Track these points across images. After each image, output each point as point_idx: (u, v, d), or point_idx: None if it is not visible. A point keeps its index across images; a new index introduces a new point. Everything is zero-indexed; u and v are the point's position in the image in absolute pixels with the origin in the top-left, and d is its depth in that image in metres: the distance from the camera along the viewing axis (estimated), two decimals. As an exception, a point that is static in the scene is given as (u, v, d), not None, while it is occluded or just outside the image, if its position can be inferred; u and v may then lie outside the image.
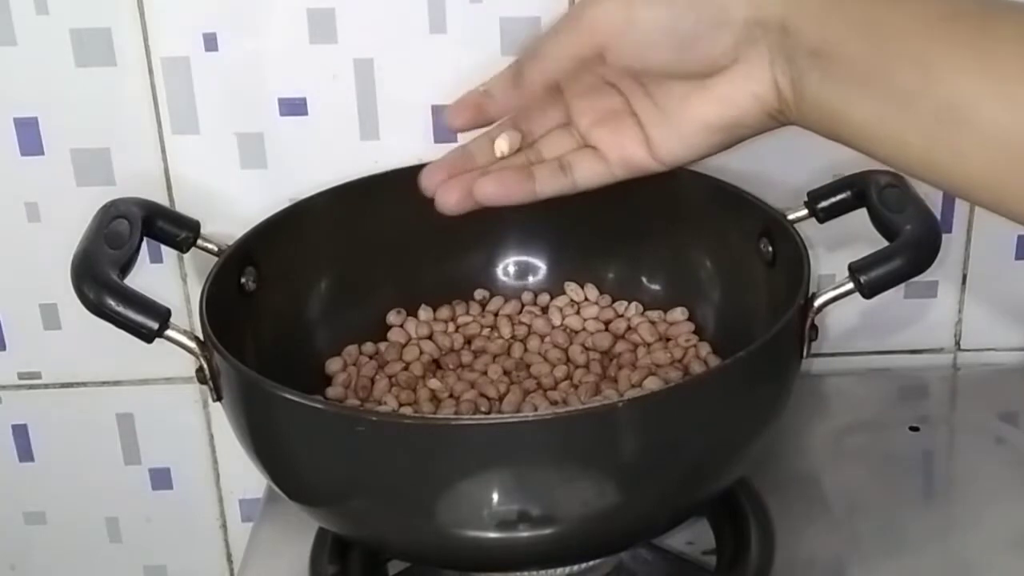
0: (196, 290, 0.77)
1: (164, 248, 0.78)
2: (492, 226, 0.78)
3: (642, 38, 0.53)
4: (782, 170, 0.77)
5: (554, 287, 0.79)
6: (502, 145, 0.60)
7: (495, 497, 0.58)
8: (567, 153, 0.59)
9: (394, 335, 0.76)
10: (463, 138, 0.79)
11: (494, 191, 0.58)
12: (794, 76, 0.51)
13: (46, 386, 0.86)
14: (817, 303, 0.62)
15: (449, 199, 0.59)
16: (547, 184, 0.59)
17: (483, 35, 0.76)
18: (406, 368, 0.74)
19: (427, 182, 0.60)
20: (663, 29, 0.52)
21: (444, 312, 0.78)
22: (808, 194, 0.71)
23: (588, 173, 0.59)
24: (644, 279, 0.78)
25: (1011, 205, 0.47)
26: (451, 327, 0.77)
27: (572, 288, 0.78)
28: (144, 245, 0.68)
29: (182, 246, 0.73)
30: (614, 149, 0.58)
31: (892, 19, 0.48)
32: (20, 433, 0.87)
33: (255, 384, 0.59)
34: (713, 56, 0.52)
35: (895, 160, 0.50)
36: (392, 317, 0.77)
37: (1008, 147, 0.45)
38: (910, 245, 0.62)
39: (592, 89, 0.58)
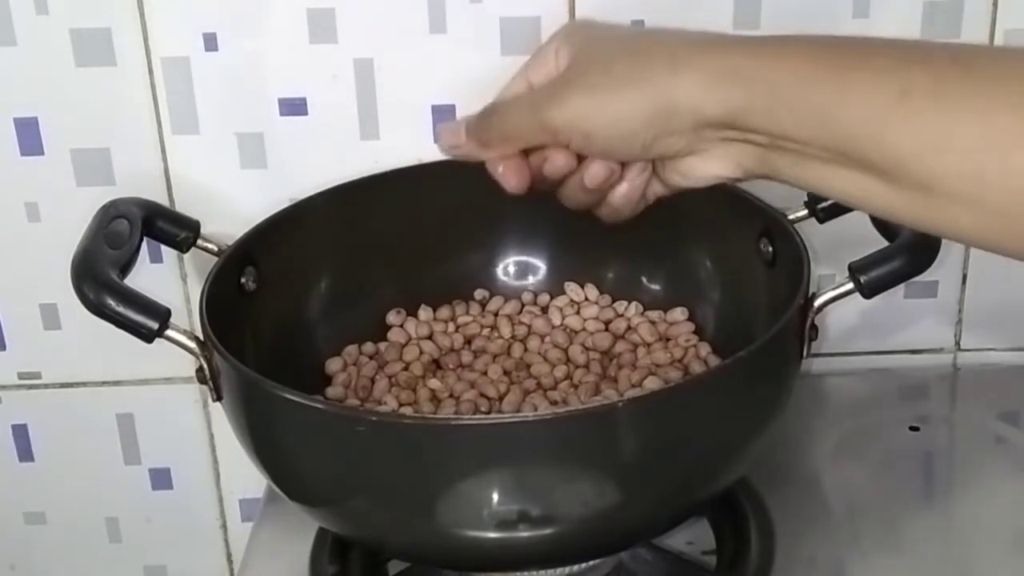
0: (196, 290, 0.77)
1: (164, 248, 0.78)
2: (492, 226, 0.78)
3: (602, 145, 0.55)
4: (782, 170, 0.77)
5: (554, 287, 0.79)
6: None
7: (495, 497, 0.58)
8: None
9: (394, 335, 0.76)
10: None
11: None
12: (759, 155, 0.51)
13: (46, 386, 0.86)
14: (817, 303, 0.62)
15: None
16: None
17: (483, 35, 0.76)
18: (406, 368, 0.74)
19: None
20: (618, 139, 0.54)
21: (444, 312, 0.78)
22: (808, 194, 0.71)
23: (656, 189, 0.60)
24: (644, 279, 0.78)
25: (1007, 251, 0.47)
26: (451, 327, 0.77)
27: (572, 288, 0.78)
28: (144, 245, 0.68)
29: (182, 246, 0.73)
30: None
31: (842, 106, 0.47)
32: (20, 433, 0.87)
33: (255, 384, 0.59)
34: (672, 151, 0.54)
35: (887, 217, 0.50)
36: (392, 317, 0.77)
37: (990, 212, 0.45)
38: (910, 245, 0.62)
39: None
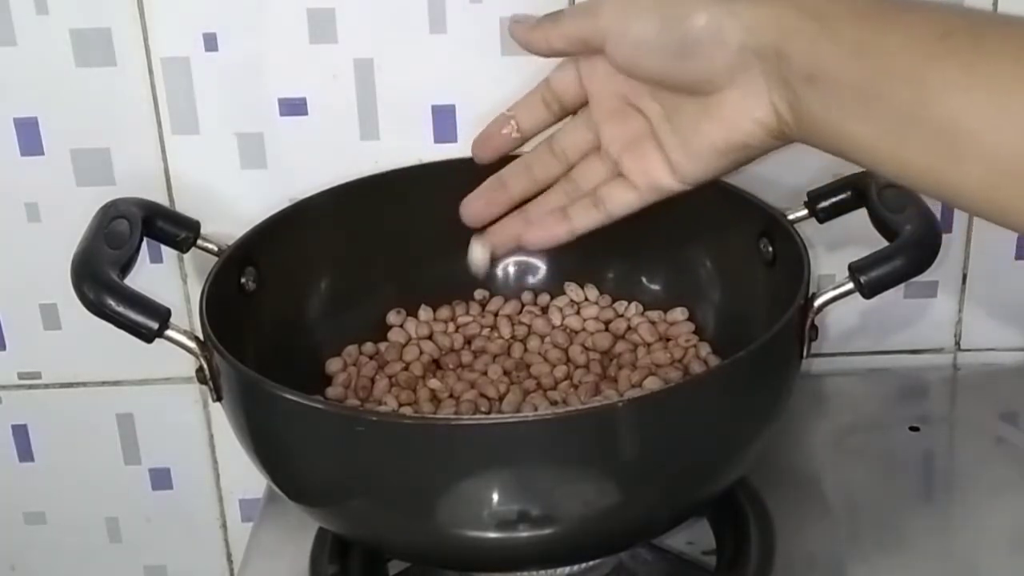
0: (196, 290, 0.77)
1: (164, 248, 0.78)
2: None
3: (636, 42, 0.55)
4: (782, 170, 0.77)
5: (554, 287, 0.79)
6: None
7: (495, 497, 0.58)
8: (600, 185, 0.61)
9: (394, 335, 0.76)
10: (463, 138, 0.79)
11: (539, 237, 0.62)
12: (791, 100, 0.51)
13: (46, 386, 0.86)
14: (817, 303, 0.62)
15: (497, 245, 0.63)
16: (583, 221, 0.61)
17: (483, 35, 0.76)
18: (406, 368, 0.74)
19: (467, 212, 0.63)
20: (655, 38, 0.54)
21: (444, 312, 0.78)
22: (808, 194, 0.71)
23: (620, 202, 0.60)
24: (644, 279, 0.78)
25: (1014, 218, 0.47)
26: (451, 327, 0.77)
27: (572, 288, 0.78)
28: (144, 245, 0.68)
29: (182, 246, 0.73)
30: (641, 175, 0.59)
31: (885, 41, 0.48)
32: (20, 433, 0.87)
33: (255, 384, 0.59)
34: (706, 74, 0.54)
35: (900, 177, 0.50)
36: (392, 317, 0.77)
37: (1006, 162, 0.45)
38: (910, 245, 0.62)
39: (618, 113, 0.60)
